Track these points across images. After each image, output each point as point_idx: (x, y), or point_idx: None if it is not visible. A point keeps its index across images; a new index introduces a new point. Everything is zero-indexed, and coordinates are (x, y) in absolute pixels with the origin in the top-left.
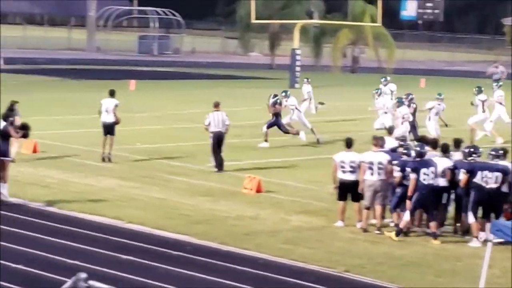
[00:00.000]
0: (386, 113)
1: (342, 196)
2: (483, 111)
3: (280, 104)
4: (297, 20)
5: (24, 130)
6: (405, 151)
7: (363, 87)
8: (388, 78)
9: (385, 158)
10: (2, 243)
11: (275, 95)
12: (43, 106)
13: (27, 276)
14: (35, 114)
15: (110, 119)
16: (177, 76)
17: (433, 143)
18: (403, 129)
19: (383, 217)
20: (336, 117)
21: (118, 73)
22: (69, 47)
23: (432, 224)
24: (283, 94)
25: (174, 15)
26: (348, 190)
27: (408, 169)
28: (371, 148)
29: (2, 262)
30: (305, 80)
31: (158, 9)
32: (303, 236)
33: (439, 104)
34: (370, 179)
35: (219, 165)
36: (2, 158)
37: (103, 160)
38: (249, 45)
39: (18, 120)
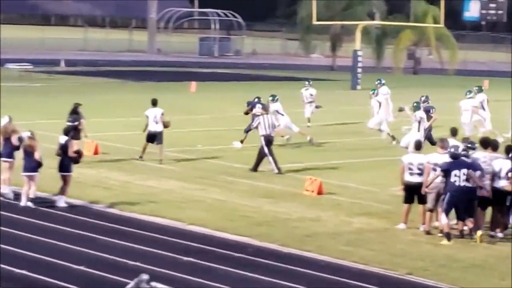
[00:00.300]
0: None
1: (408, 199)
2: (484, 110)
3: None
4: (358, 21)
5: (78, 155)
6: (463, 152)
7: (424, 89)
8: (383, 81)
9: None
10: (64, 244)
11: (257, 97)
12: (104, 108)
13: (89, 278)
14: (96, 116)
15: (159, 128)
16: (238, 78)
17: (494, 145)
18: (417, 136)
19: None
20: (397, 118)
21: (178, 75)
22: (130, 49)
23: (469, 222)
24: (270, 98)
25: (234, 16)
26: (415, 193)
27: (437, 169)
28: (437, 150)
29: (64, 263)
30: (307, 83)
31: (219, 11)
32: (365, 238)
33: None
34: (434, 181)
35: (256, 166)
36: (64, 173)
37: (140, 157)
38: (310, 46)
39: (83, 123)
